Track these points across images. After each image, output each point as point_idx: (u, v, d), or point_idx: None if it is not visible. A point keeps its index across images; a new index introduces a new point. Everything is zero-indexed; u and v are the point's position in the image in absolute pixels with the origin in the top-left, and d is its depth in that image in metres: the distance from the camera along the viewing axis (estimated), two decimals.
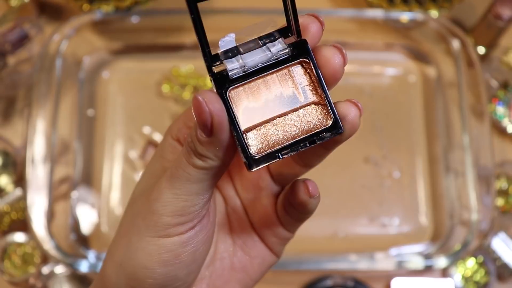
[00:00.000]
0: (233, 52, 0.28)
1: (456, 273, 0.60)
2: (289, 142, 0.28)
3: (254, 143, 0.28)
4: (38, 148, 0.59)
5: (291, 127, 0.28)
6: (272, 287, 0.60)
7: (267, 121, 0.28)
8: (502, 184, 0.63)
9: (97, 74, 0.67)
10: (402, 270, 0.58)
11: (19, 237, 0.59)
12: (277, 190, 0.34)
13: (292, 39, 0.28)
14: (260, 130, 0.28)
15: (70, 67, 0.64)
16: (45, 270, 0.58)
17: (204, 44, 0.26)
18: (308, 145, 0.28)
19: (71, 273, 0.58)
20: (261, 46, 0.28)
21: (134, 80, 0.66)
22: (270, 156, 0.28)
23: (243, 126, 0.27)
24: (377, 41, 0.68)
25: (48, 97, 0.61)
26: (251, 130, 0.28)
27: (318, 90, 0.28)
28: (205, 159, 0.28)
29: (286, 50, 0.28)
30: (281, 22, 0.29)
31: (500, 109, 0.66)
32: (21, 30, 0.63)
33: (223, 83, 0.27)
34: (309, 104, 0.28)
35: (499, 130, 0.66)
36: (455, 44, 0.64)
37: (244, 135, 0.27)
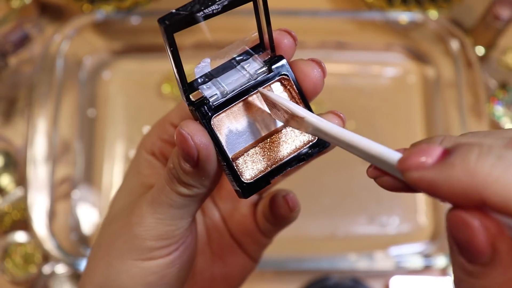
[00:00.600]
0: (209, 77, 0.27)
1: None
2: (279, 164, 0.27)
3: (245, 170, 0.27)
4: (39, 148, 0.59)
5: (277, 147, 0.27)
6: (272, 287, 0.60)
7: (253, 145, 0.27)
8: None
9: (98, 75, 0.67)
10: (402, 270, 0.59)
11: (20, 236, 0.59)
12: (256, 198, 0.34)
13: (266, 55, 0.27)
14: (248, 155, 0.27)
15: (71, 67, 0.65)
16: (46, 269, 0.58)
17: (182, 74, 0.25)
18: (296, 163, 0.27)
19: (72, 273, 0.58)
20: (235, 66, 0.27)
21: (135, 80, 0.67)
22: (262, 181, 0.27)
23: (230, 153, 0.26)
24: (376, 42, 0.69)
25: (49, 97, 0.61)
26: (240, 156, 0.27)
27: (300, 106, 0.27)
28: (190, 187, 0.27)
29: (264, 69, 0.27)
30: (255, 40, 0.28)
31: (499, 109, 0.66)
32: (22, 30, 0.64)
33: (207, 113, 0.26)
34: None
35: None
36: (454, 44, 0.65)
37: (234, 163, 0.27)
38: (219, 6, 0.23)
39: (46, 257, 0.58)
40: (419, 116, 0.67)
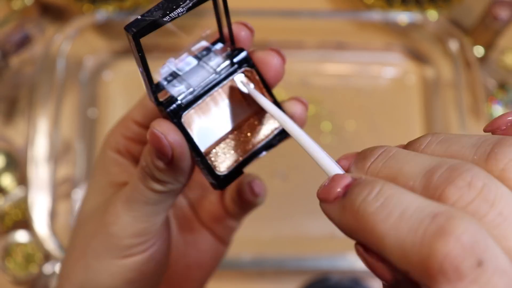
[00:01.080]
0: (174, 76, 0.27)
1: None
2: (249, 154, 0.28)
3: (218, 163, 0.28)
4: (40, 148, 0.59)
5: (246, 137, 0.28)
6: (272, 287, 0.60)
7: (223, 138, 0.28)
8: None
9: (99, 75, 0.67)
10: None
11: (21, 236, 0.59)
12: None
13: (226, 48, 0.28)
14: (219, 148, 0.28)
15: (72, 67, 0.65)
16: (47, 269, 0.58)
17: (149, 76, 0.26)
18: (266, 150, 0.28)
19: None
20: (198, 62, 0.28)
21: (136, 80, 0.67)
22: (235, 171, 0.28)
23: (202, 148, 0.27)
24: (375, 42, 0.69)
25: (50, 98, 0.61)
26: (212, 150, 0.28)
27: (265, 95, 0.28)
28: (165, 184, 0.27)
29: (226, 62, 0.28)
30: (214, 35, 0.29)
31: (498, 109, 0.66)
32: (23, 31, 0.64)
33: (177, 111, 0.26)
34: (258, 111, 0.28)
35: None
36: (453, 45, 0.65)
37: (207, 157, 0.27)
38: (184, 9, 0.24)
39: (47, 257, 0.58)
40: (418, 116, 0.67)
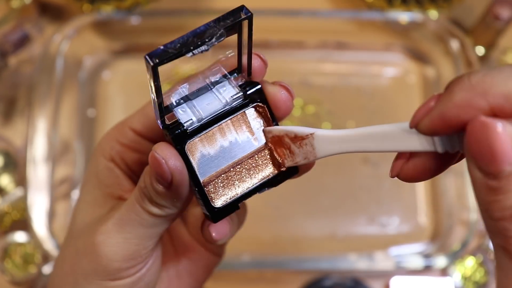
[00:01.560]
0: (184, 99, 0.27)
1: (456, 272, 0.60)
2: (249, 190, 0.28)
3: (215, 195, 0.27)
4: (38, 148, 0.59)
5: (249, 173, 0.28)
6: (272, 287, 0.60)
7: (225, 171, 0.28)
8: None
9: (98, 75, 0.67)
10: (402, 270, 0.59)
11: (20, 237, 0.59)
12: None
13: (241, 78, 0.28)
14: (219, 180, 0.27)
15: (71, 67, 0.65)
16: (46, 269, 0.58)
17: (161, 102, 0.25)
18: (266, 189, 0.28)
19: None
20: (211, 89, 0.27)
21: (135, 80, 0.67)
22: (231, 206, 0.27)
23: (202, 177, 0.27)
24: (376, 42, 0.69)
25: (48, 97, 0.61)
26: (211, 181, 0.27)
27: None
28: (162, 208, 0.27)
29: (239, 94, 0.27)
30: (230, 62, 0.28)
31: None
32: (22, 30, 0.64)
33: (182, 139, 0.26)
34: (264, 148, 0.28)
35: None
36: (454, 44, 0.65)
37: (205, 188, 0.27)
38: (208, 47, 0.24)
39: (46, 257, 0.58)
40: None
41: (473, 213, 0.59)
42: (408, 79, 0.68)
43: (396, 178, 0.26)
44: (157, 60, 0.23)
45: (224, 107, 0.27)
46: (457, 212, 0.61)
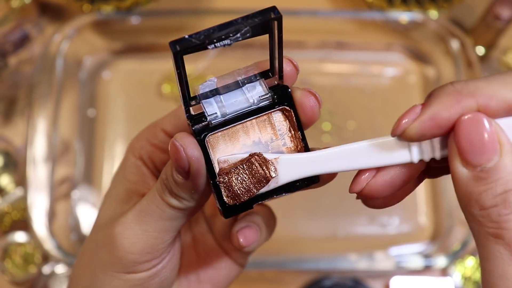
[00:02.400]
0: (213, 92, 0.27)
1: (456, 272, 0.60)
2: (265, 191, 0.27)
3: (230, 191, 0.27)
4: (39, 148, 0.59)
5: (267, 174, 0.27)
6: (272, 287, 0.60)
7: (243, 168, 0.27)
8: None
9: (98, 74, 0.67)
10: (402, 270, 0.59)
11: (20, 237, 0.59)
12: None
13: (272, 81, 0.28)
14: (236, 176, 0.27)
15: (71, 67, 0.65)
16: (46, 269, 0.58)
17: (185, 91, 0.26)
18: (284, 194, 0.28)
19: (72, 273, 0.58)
20: (240, 87, 0.27)
21: (135, 80, 0.67)
22: (244, 205, 0.27)
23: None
24: (376, 42, 0.69)
25: (49, 97, 0.61)
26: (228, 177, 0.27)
27: (297, 137, 0.28)
28: (181, 200, 0.27)
29: (268, 95, 0.27)
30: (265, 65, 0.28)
31: None
32: (22, 30, 0.64)
33: (203, 130, 0.26)
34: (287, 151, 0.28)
35: None
36: (455, 44, 0.64)
37: (222, 190, 0.27)
38: (231, 41, 0.24)
39: (46, 257, 0.58)
40: None
41: None
42: (408, 79, 0.68)
43: (355, 195, 0.27)
44: (178, 48, 0.23)
45: (251, 106, 0.27)
46: (457, 212, 0.61)
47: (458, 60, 0.64)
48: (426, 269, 0.58)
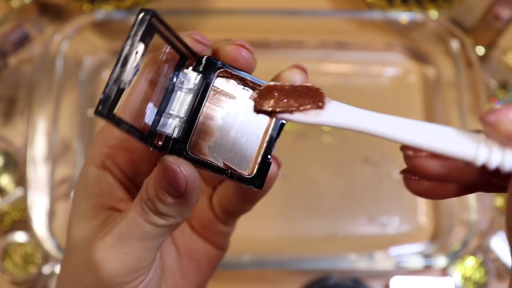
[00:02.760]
0: (159, 114, 0.26)
1: (456, 272, 0.60)
2: (266, 142, 0.27)
3: (244, 168, 0.27)
4: (39, 148, 0.59)
5: (254, 131, 0.28)
6: (272, 287, 0.60)
7: (235, 145, 0.27)
8: None
9: (98, 74, 0.67)
10: (402, 270, 0.59)
11: (20, 237, 0.59)
12: (210, 191, 0.34)
13: (191, 62, 0.27)
14: (237, 155, 0.27)
15: (71, 67, 0.65)
16: (46, 270, 0.58)
17: (138, 135, 0.25)
18: (275, 139, 0.28)
19: None
20: (173, 90, 0.27)
21: None
22: (264, 164, 0.27)
23: (219, 163, 0.27)
24: (376, 42, 0.69)
25: (48, 97, 0.61)
26: (232, 160, 0.27)
27: (250, 83, 0.27)
28: (167, 218, 0.26)
29: (199, 76, 0.26)
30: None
31: None
32: (22, 30, 0.64)
33: (179, 147, 0.26)
34: (251, 101, 0.27)
35: None
36: (455, 44, 0.65)
37: (232, 168, 0.27)
38: (137, 66, 0.23)
39: (46, 257, 0.58)
40: (420, 116, 0.66)
41: (473, 213, 0.58)
42: (408, 79, 0.68)
43: (397, 178, 0.26)
44: (104, 111, 0.22)
45: (196, 96, 0.26)
46: (457, 212, 0.61)
47: (458, 60, 0.64)
48: (426, 269, 0.58)
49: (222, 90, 0.27)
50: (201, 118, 0.27)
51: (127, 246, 0.27)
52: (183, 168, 0.25)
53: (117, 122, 0.23)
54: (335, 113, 0.25)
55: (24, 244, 0.59)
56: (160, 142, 0.26)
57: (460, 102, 0.63)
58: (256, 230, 0.61)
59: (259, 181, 0.27)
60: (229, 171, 0.27)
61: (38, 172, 0.58)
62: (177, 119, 0.26)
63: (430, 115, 0.66)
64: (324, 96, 0.25)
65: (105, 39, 0.66)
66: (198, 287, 0.34)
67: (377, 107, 0.69)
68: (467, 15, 0.70)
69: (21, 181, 0.61)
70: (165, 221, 0.27)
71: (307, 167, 0.63)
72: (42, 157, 0.59)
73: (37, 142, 0.59)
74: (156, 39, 0.25)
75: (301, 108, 0.25)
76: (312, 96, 0.25)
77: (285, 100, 0.25)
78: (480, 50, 0.67)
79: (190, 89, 0.27)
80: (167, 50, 0.26)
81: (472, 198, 0.59)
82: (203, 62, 0.26)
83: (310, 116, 0.25)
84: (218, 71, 0.27)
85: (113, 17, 0.64)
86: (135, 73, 0.23)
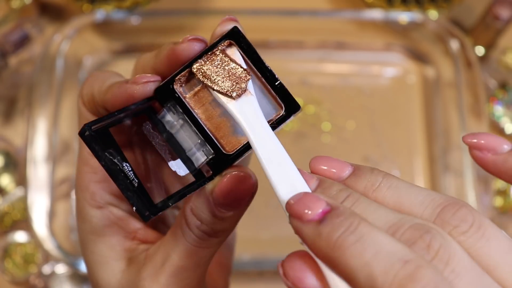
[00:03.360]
0: (185, 159, 0.26)
1: None
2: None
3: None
4: (39, 148, 0.59)
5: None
6: (272, 287, 0.60)
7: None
8: (500, 184, 0.63)
9: None
10: None
11: (20, 236, 0.59)
12: None
13: (157, 106, 0.27)
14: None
15: (71, 67, 0.65)
16: (46, 269, 0.58)
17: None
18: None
19: (72, 273, 0.58)
20: (171, 135, 0.27)
21: None
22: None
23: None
24: (376, 42, 0.69)
25: (49, 97, 0.61)
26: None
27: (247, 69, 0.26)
28: (224, 233, 0.26)
29: (171, 107, 0.26)
30: None
31: (499, 109, 0.66)
32: (22, 30, 0.64)
33: (223, 159, 0.26)
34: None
35: (497, 130, 0.66)
36: (454, 44, 0.65)
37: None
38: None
39: (46, 257, 0.58)
40: (419, 116, 0.67)
41: None
42: (408, 79, 0.68)
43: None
44: (148, 215, 0.24)
45: (186, 119, 0.26)
46: None
47: (457, 60, 0.64)
48: None
49: (193, 93, 0.27)
50: (207, 125, 0.26)
51: (185, 279, 0.26)
52: (249, 172, 0.25)
53: (162, 206, 0.24)
54: (241, 110, 0.25)
55: (24, 244, 0.59)
56: (209, 172, 0.26)
57: (460, 102, 0.63)
58: (256, 230, 0.61)
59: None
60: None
61: (38, 172, 0.58)
62: (198, 146, 0.26)
63: (430, 116, 0.66)
64: (245, 85, 0.25)
65: (105, 39, 0.67)
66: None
67: (376, 108, 0.70)
68: (467, 15, 0.70)
69: (21, 181, 0.61)
70: (222, 237, 0.26)
71: (307, 167, 0.63)
72: (42, 157, 0.59)
73: (37, 142, 0.59)
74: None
75: (223, 90, 0.25)
76: (236, 82, 0.25)
77: (216, 75, 0.25)
78: (480, 50, 0.67)
79: (178, 121, 0.26)
80: (134, 128, 0.27)
81: (471, 198, 0.59)
82: (159, 97, 0.26)
83: (223, 99, 0.25)
84: (175, 87, 0.26)
85: (113, 17, 0.64)
86: (131, 170, 0.24)
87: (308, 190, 0.23)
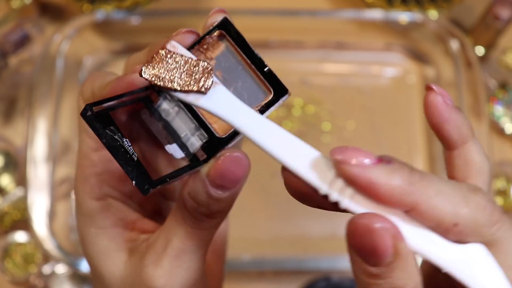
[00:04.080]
0: (181, 144, 0.26)
1: None
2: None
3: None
4: (39, 148, 0.59)
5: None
6: (272, 287, 0.60)
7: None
8: (500, 184, 0.63)
9: None
10: None
11: (20, 236, 0.59)
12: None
13: (154, 95, 0.27)
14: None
15: (71, 67, 0.65)
16: (46, 269, 0.58)
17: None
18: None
19: (72, 273, 0.58)
20: (168, 122, 0.27)
21: None
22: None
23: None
24: (376, 42, 0.69)
25: (49, 97, 0.61)
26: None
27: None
28: (221, 213, 0.26)
29: (166, 96, 0.26)
30: None
31: (499, 109, 0.66)
32: (22, 30, 0.64)
33: (217, 142, 0.26)
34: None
35: (498, 130, 0.66)
36: (454, 44, 0.65)
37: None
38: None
39: (46, 257, 0.58)
40: (419, 116, 0.67)
41: None
42: (408, 79, 0.68)
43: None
44: (147, 188, 0.24)
45: (181, 106, 0.26)
46: None
47: (457, 60, 0.64)
48: None
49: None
50: (201, 111, 0.26)
51: (187, 261, 0.26)
52: (242, 153, 0.25)
53: (161, 181, 0.24)
54: (215, 102, 0.24)
55: (24, 244, 0.59)
56: (203, 156, 0.26)
57: (460, 102, 0.63)
58: (255, 230, 0.61)
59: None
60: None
61: (39, 172, 0.58)
62: (192, 131, 0.26)
63: None
64: (210, 78, 0.25)
65: (105, 39, 0.67)
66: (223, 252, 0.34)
67: (376, 108, 0.70)
68: (467, 15, 0.70)
69: (21, 181, 0.61)
70: (219, 218, 0.26)
71: None
72: (42, 157, 0.59)
73: (37, 142, 0.59)
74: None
75: (184, 88, 0.24)
76: (198, 77, 0.25)
77: (171, 75, 0.25)
78: (480, 50, 0.67)
79: (173, 108, 0.26)
80: (131, 117, 0.27)
81: None
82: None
83: (190, 98, 0.25)
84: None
85: (113, 17, 0.64)
86: (130, 145, 0.24)
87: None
